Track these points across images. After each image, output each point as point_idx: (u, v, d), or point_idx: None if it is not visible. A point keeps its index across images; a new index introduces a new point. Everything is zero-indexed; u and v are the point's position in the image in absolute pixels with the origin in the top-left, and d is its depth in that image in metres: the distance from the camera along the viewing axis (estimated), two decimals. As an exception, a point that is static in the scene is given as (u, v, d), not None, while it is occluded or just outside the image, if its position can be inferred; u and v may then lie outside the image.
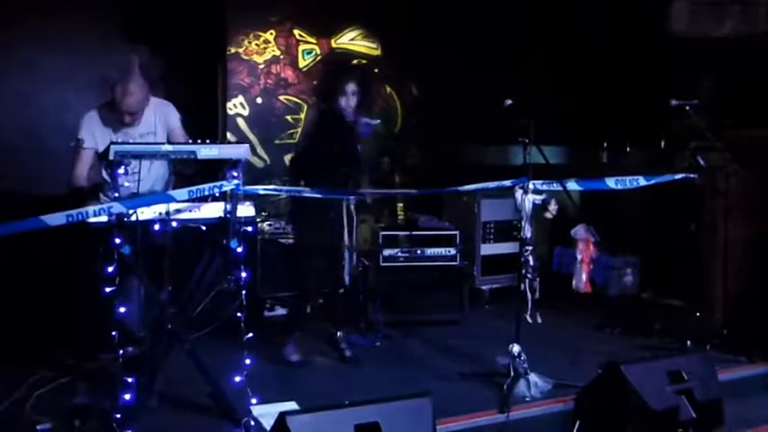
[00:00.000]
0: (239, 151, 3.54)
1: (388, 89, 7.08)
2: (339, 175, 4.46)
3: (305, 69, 6.71)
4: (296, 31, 6.67)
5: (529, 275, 4.28)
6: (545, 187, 4.30)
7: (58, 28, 5.61)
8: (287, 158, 6.23)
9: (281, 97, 6.62)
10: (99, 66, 5.59)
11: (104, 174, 3.84)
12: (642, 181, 4.51)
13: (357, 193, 4.50)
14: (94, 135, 4.04)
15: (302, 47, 6.72)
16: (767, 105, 5.40)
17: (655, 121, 6.05)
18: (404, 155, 6.57)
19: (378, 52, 7.00)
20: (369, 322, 5.27)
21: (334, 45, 6.87)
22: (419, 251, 5.63)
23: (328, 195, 4.27)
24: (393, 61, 7.00)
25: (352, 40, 6.95)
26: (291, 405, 3.63)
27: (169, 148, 3.49)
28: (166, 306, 3.64)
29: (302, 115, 6.59)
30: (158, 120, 4.14)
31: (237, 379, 3.60)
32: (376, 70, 6.96)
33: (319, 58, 6.77)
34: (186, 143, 3.76)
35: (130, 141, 3.89)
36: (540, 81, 6.89)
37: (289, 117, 6.61)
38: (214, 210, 3.62)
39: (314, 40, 6.77)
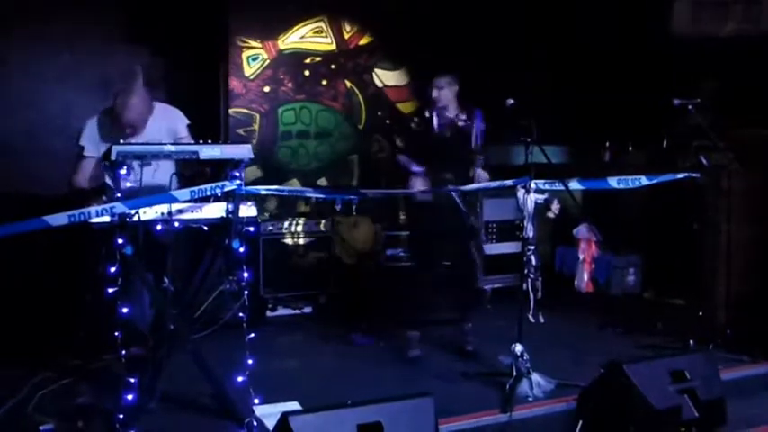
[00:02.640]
0: (242, 151, 3.54)
1: (348, 84, 6.73)
2: None
3: (252, 77, 6.28)
4: (237, 38, 6.22)
5: (531, 275, 4.28)
6: (547, 187, 4.30)
7: (60, 28, 5.62)
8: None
9: (230, 110, 6.18)
10: (100, 66, 5.64)
11: (107, 178, 3.83)
12: (644, 180, 4.50)
13: (357, 193, 4.49)
14: (96, 144, 4.02)
15: (246, 53, 6.24)
16: (769, 105, 5.40)
17: (657, 121, 6.04)
18: (372, 150, 6.48)
19: (333, 47, 6.61)
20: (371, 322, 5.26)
21: (282, 46, 6.37)
22: (421, 251, 5.61)
23: (329, 196, 4.27)
24: (350, 56, 6.67)
25: (302, 38, 6.47)
26: (294, 405, 3.64)
27: (171, 148, 3.48)
28: (169, 306, 3.64)
29: (255, 126, 6.23)
30: (163, 129, 4.10)
31: (240, 379, 3.60)
32: (333, 66, 6.61)
33: (267, 62, 6.29)
34: None
35: None
36: (540, 81, 6.87)
37: (240, 130, 6.21)
38: (216, 210, 3.63)
39: (259, 44, 6.29)
